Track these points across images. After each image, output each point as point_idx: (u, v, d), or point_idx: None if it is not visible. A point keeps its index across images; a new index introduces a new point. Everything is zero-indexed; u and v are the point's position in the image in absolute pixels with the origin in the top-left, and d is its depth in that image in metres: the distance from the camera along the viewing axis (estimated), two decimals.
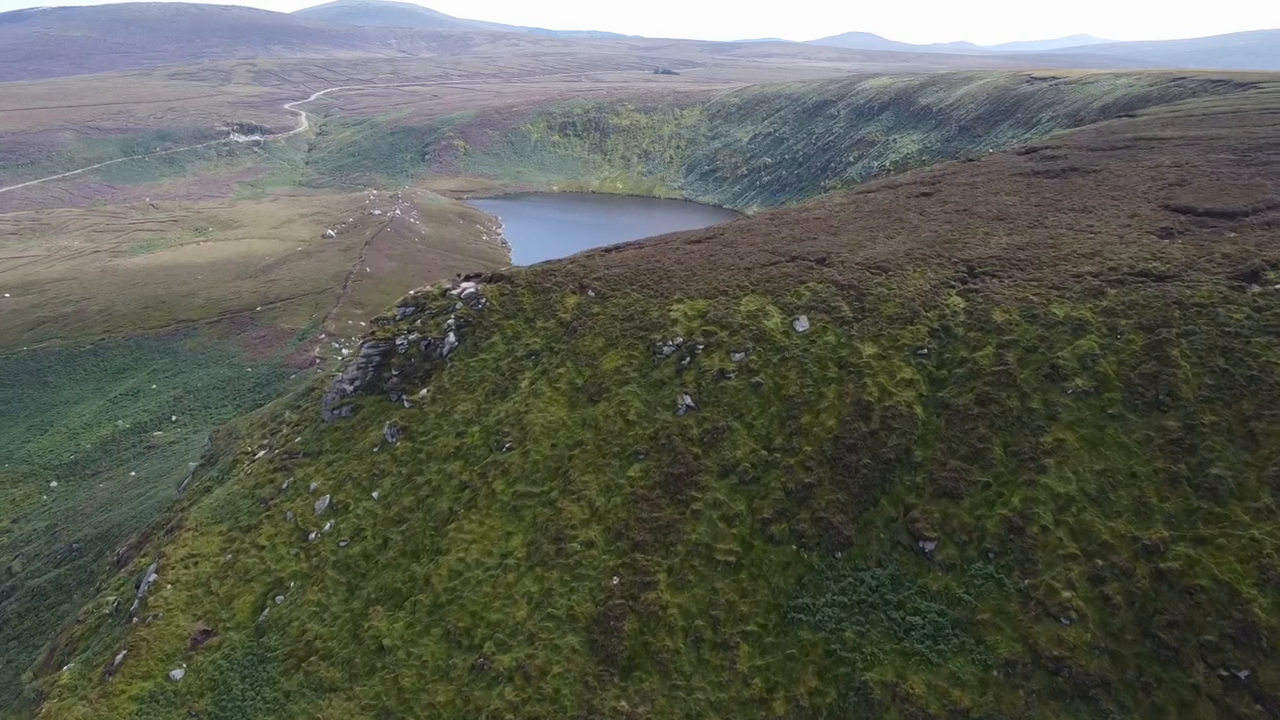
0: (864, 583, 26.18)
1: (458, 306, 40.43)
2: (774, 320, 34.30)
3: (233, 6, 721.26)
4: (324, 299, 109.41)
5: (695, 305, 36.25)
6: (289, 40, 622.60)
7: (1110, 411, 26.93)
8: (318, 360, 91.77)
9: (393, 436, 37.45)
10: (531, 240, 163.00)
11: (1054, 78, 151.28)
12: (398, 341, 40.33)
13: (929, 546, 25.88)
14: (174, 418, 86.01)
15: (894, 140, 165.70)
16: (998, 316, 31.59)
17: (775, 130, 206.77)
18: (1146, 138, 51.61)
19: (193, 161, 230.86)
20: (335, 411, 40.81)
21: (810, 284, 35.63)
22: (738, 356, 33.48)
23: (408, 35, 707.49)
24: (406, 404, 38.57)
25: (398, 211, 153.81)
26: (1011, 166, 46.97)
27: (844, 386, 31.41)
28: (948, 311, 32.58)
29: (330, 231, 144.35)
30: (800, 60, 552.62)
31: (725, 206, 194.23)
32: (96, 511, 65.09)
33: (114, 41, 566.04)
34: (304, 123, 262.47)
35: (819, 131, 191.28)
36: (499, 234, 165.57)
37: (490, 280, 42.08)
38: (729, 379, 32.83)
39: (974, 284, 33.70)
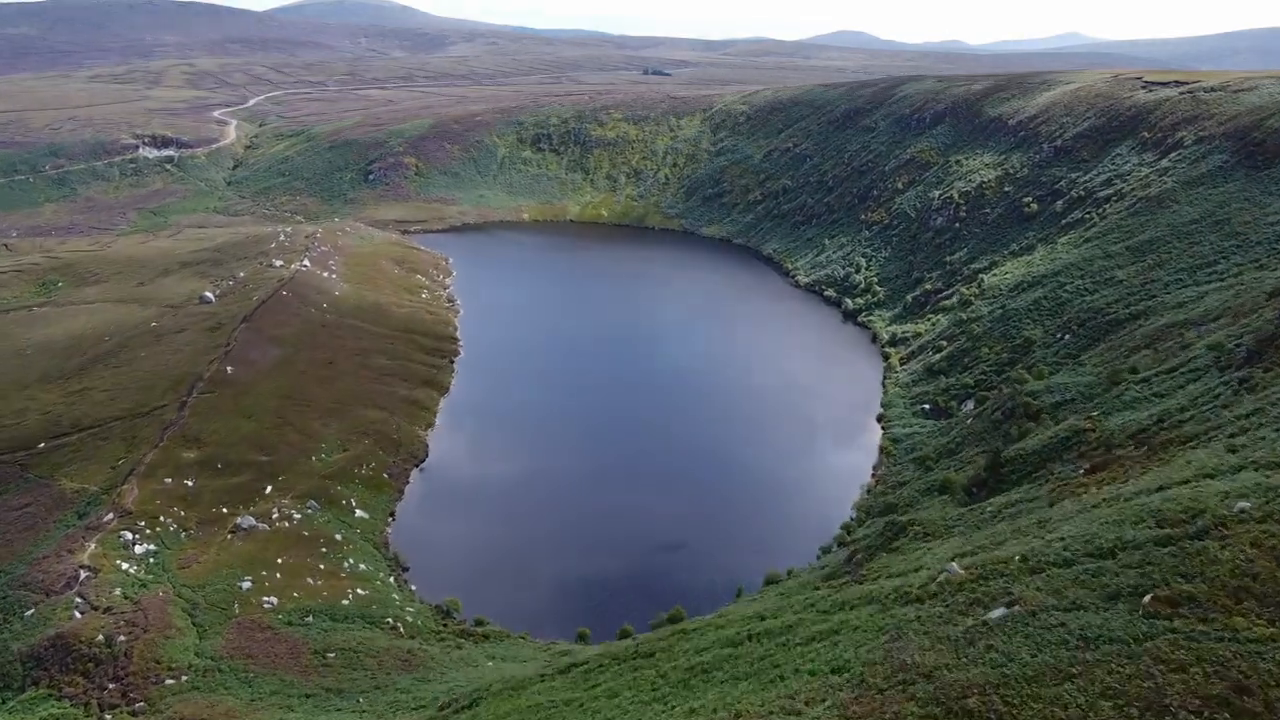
0: None
1: None
2: None
3: (192, 3, 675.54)
4: (145, 428, 70.82)
5: None
6: (250, 39, 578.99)
7: None
8: (83, 576, 53.72)
9: None
10: (490, 295, 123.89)
11: (1177, 82, 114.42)
12: None
13: None
14: None
15: (957, 162, 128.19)
16: None
17: (795, 145, 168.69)
18: None
19: (88, 182, 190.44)
20: None
21: None
22: None
23: (379, 34, 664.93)
24: None
25: (307, 263, 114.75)
26: None
27: None
28: None
29: (209, 293, 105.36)
30: (799, 59, 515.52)
31: (735, 241, 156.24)
32: None
33: (55, 40, 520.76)
34: (232, 134, 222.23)
35: (853, 148, 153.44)
36: (446, 286, 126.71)
37: None
38: None
39: None
